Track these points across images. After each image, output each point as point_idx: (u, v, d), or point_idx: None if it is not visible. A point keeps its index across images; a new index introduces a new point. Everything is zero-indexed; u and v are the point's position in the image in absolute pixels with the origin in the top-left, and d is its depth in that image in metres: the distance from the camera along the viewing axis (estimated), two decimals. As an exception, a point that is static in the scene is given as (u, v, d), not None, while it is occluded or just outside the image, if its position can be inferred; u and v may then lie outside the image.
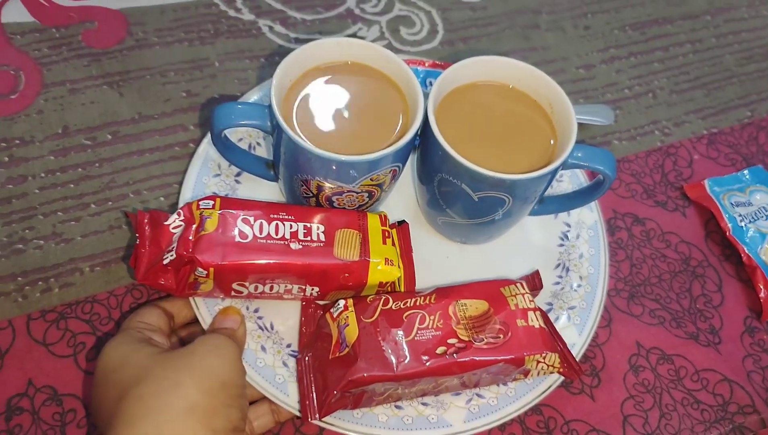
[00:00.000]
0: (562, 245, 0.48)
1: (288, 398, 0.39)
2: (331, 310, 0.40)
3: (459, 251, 0.47)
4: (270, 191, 0.46)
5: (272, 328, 0.41)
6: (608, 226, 0.51)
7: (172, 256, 0.37)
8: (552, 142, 0.42)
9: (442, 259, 0.47)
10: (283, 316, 0.42)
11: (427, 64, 0.53)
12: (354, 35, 0.58)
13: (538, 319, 0.40)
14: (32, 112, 0.49)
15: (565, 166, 0.40)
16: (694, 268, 0.50)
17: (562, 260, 0.47)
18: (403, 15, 0.60)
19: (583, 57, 0.60)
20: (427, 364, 0.37)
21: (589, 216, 0.49)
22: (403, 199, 0.48)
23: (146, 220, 0.39)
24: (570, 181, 0.50)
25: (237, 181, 0.46)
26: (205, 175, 0.45)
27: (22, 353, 0.39)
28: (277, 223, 0.40)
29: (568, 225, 0.49)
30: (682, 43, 0.63)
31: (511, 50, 0.59)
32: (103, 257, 0.43)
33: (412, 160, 0.47)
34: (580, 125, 0.55)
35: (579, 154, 0.41)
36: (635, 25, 0.63)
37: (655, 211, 0.52)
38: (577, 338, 0.44)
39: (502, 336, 0.39)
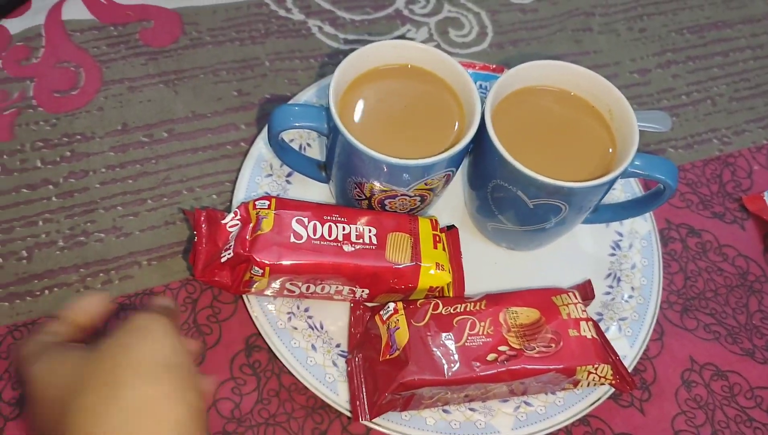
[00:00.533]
0: (613, 255, 0.47)
1: (338, 397, 0.39)
2: (381, 313, 0.40)
3: (507, 257, 0.47)
4: (320, 192, 0.47)
5: (322, 327, 0.42)
6: (661, 236, 0.50)
7: (229, 254, 0.38)
8: (611, 149, 0.41)
9: (490, 264, 0.46)
10: (332, 317, 0.42)
11: (477, 67, 0.53)
12: (403, 36, 0.58)
13: (590, 329, 0.40)
14: (93, 108, 0.50)
15: (624, 174, 0.40)
16: (751, 283, 0.49)
17: (614, 270, 0.47)
18: (452, 16, 0.60)
19: (637, 61, 0.59)
20: (478, 370, 0.37)
21: (643, 225, 0.48)
22: (451, 202, 0.48)
23: (203, 218, 0.40)
24: (622, 190, 0.49)
25: (288, 182, 0.47)
26: (257, 175, 0.46)
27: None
28: (330, 225, 0.40)
29: (621, 234, 0.48)
30: (743, 48, 0.61)
31: (562, 54, 0.59)
32: (159, 251, 0.45)
33: (462, 165, 0.46)
34: (634, 132, 0.54)
35: (639, 163, 0.40)
36: (693, 28, 0.62)
37: (711, 223, 0.51)
38: (628, 350, 0.43)
39: (553, 345, 0.39)
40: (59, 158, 0.47)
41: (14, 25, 0.53)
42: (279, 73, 0.54)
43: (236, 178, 0.46)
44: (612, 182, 0.39)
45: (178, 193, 0.47)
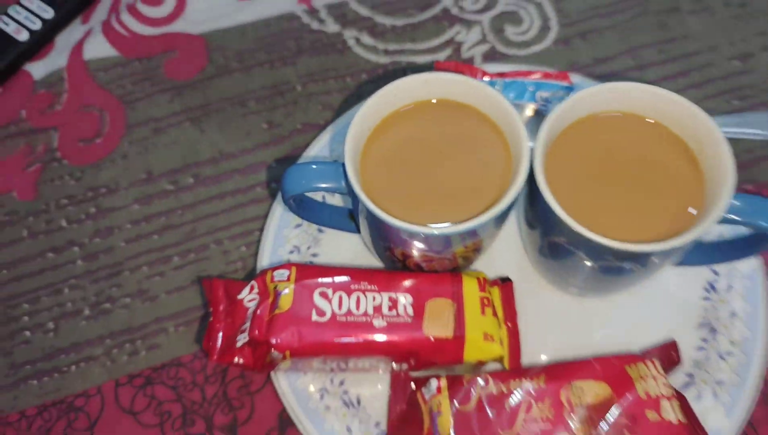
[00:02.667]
0: (707, 299, 0.39)
1: (377, 488, 0.35)
2: (423, 390, 0.35)
3: (575, 305, 0.40)
4: (356, 242, 0.41)
5: (359, 403, 0.37)
6: (770, 270, 0.41)
7: (245, 338, 0.34)
8: (696, 198, 0.33)
9: (555, 316, 0.39)
10: (371, 389, 0.38)
11: (538, 75, 0.45)
12: (451, 41, 0.51)
13: (674, 411, 0.33)
14: (117, 157, 0.47)
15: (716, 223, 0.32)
16: None
17: (708, 318, 0.39)
18: (510, 10, 0.52)
19: (737, 44, 0.48)
20: (536, 469, 0.32)
21: (746, 262, 0.39)
22: (505, 245, 0.41)
23: (220, 292, 0.36)
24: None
25: (320, 231, 0.42)
26: (285, 226, 0.42)
27: (111, 423, 0.39)
28: (358, 296, 0.35)
29: (717, 272, 0.40)
30: None
31: (644, 44, 0.49)
32: (188, 315, 0.42)
33: (518, 202, 0.40)
34: (735, 139, 0.44)
35: (737, 205, 0.32)
36: (810, -6, 0.50)
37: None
38: (725, 422, 0.36)
39: (627, 433, 0.32)
40: (84, 216, 0.45)
41: (38, 69, 0.51)
42: (312, 97, 0.49)
43: (262, 228, 0.42)
44: (693, 241, 0.31)
45: (205, 247, 0.44)
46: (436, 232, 0.31)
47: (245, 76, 0.51)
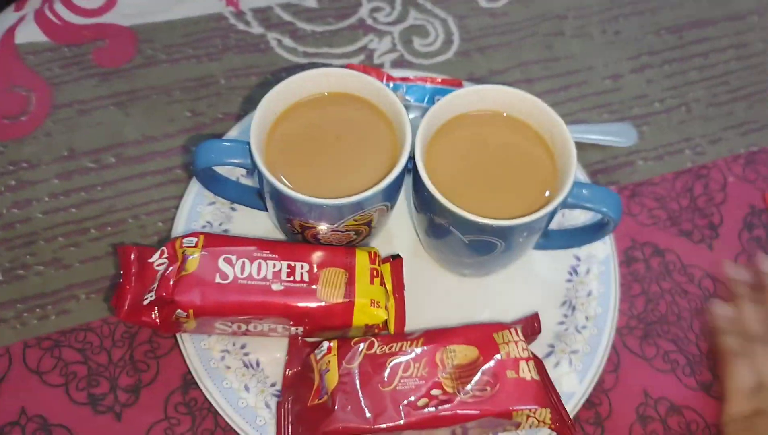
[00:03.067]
0: (570, 281, 0.45)
1: (268, 440, 0.38)
2: (315, 352, 0.39)
3: (458, 284, 0.45)
4: (266, 219, 0.45)
5: (258, 365, 0.41)
6: (625, 256, 0.47)
7: (152, 296, 0.37)
8: (549, 182, 0.39)
9: (440, 292, 0.45)
10: (270, 353, 0.41)
11: (439, 80, 0.50)
12: (365, 48, 0.56)
13: (530, 370, 0.38)
14: (40, 134, 0.50)
15: (564, 206, 0.37)
16: (717, 307, 0.46)
17: (569, 297, 0.45)
18: (418, 24, 0.57)
19: (610, 66, 0.56)
20: (406, 417, 0.36)
21: (602, 249, 0.46)
22: (403, 226, 0.46)
23: (131, 256, 0.39)
24: (583, 211, 0.47)
25: (232, 209, 0.46)
26: (199, 203, 0.45)
27: (18, 381, 0.41)
28: (259, 263, 0.39)
29: (578, 258, 0.46)
30: (724, 48, 0.57)
31: (532, 60, 0.56)
32: (100, 284, 0.44)
33: (408, 188, 0.45)
34: (600, 146, 0.51)
35: (583, 192, 0.38)
36: (672, 28, 0.58)
37: (679, 242, 0.48)
38: (577, 386, 0.41)
39: (489, 388, 0.37)
40: (4, 188, 0.47)
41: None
42: (234, 90, 0.53)
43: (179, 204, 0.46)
44: (547, 217, 0.37)
45: (123, 222, 0.47)
46: (325, 203, 0.35)
47: (172, 68, 0.54)
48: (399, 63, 0.55)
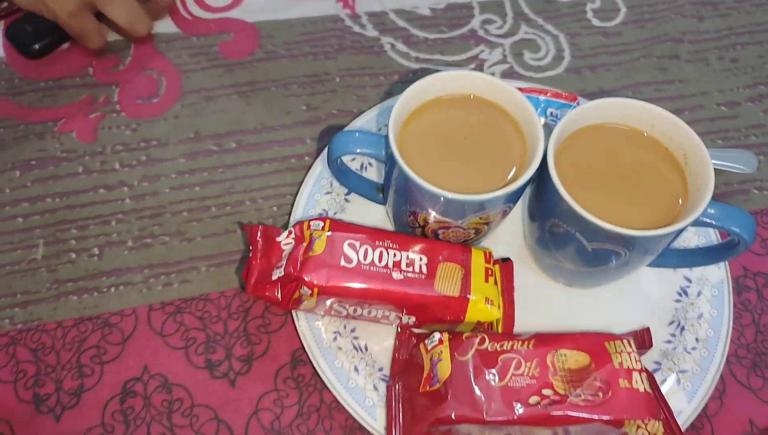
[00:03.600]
0: (679, 301, 0.45)
1: (375, 423, 0.39)
2: (426, 342, 0.40)
3: (563, 294, 0.45)
4: (377, 213, 0.47)
5: (366, 349, 0.42)
6: (735, 284, 0.46)
7: (280, 272, 0.39)
8: (681, 198, 0.39)
9: (545, 301, 0.45)
10: (378, 339, 0.42)
11: (549, 94, 0.51)
12: (476, 57, 0.57)
13: (643, 382, 0.38)
14: (170, 116, 0.53)
15: (694, 224, 0.37)
16: (834, 344, 0.45)
17: (678, 318, 0.44)
18: (529, 38, 0.58)
19: (726, 93, 0.55)
20: (518, 412, 0.36)
21: (715, 273, 0.45)
22: (508, 232, 0.47)
23: (259, 235, 0.41)
24: (696, 233, 0.47)
25: (346, 200, 0.47)
26: (317, 192, 0.47)
27: (142, 341, 0.43)
28: (381, 251, 0.40)
29: (689, 280, 0.45)
30: None
31: (644, 81, 0.56)
32: (218, 259, 0.46)
33: (523, 196, 0.45)
34: (716, 171, 0.51)
35: (713, 212, 0.38)
36: (791, 60, 0.57)
37: (793, 274, 0.47)
38: (685, 406, 0.41)
39: (601, 394, 0.37)
40: (135, 162, 0.50)
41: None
42: (348, 89, 0.55)
43: (297, 192, 0.47)
44: (679, 232, 0.36)
45: (241, 203, 0.49)
46: (457, 197, 0.36)
47: (291, 63, 0.56)
48: (509, 74, 0.56)
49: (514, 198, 0.39)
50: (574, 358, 0.39)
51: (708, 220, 0.37)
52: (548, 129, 0.39)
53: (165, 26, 0.58)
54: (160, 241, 0.47)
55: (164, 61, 0.56)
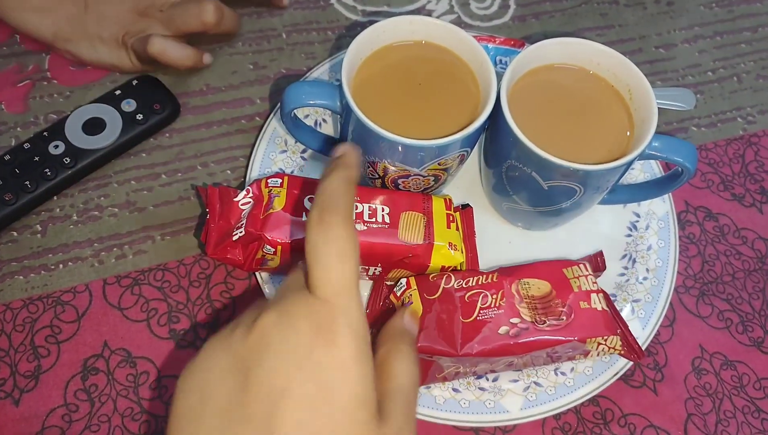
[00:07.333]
0: (629, 235, 0.47)
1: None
2: (395, 290, 0.40)
3: (522, 236, 0.46)
4: (334, 168, 0.46)
5: (334, 305, 0.42)
6: (679, 220, 0.49)
7: (241, 232, 0.38)
8: (629, 131, 0.40)
9: (505, 243, 0.46)
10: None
11: (497, 41, 0.51)
12: (422, 8, 0.57)
13: (600, 301, 0.39)
14: (107, 81, 0.50)
15: (641, 156, 0.39)
16: (770, 266, 0.48)
17: (629, 251, 0.46)
18: (474, -13, 0.58)
19: (663, 36, 0.57)
20: (489, 344, 0.37)
21: (661, 206, 0.47)
22: (467, 180, 0.47)
23: (216, 196, 0.40)
24: (642, 170, 0.48)
25: (303, 158, 0.46)
26: (272, 151, 0.46)
27: (99, 316, 0.41)
28: (342, 204, 0.40)
29: (638, 215, 0.47)
30: (772, 23, 0.59)
31: (585, 28, 0.57)
32: (174, 227, 0.45)
33: (479, 142, 0.46)
34: (658, 110, 0.53)
35: (657, 145, 0.39)
36: (722, 2, 0.59)
37: (730, 205, 0.50)
38: (640, 332, 0.43)
39: (564, 318, 0.38)
40: (75, 131, 0.47)
41: None
42: (296, 46, 0.54)
43: (250, 153, 0.46)
44: (628, 165, 0.38)
45: (192, 169, 0.47)
46: (415, 143, 0.36)
47: (233, 21, 0.54)
48: (456, 24, 0.56)
49: (470, 142, 0.39)
50: (537, 286, 0.40)
51: (654, 153, 0.39)
52: (499, 77, 0.39)
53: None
54: (108, 213, 0.45)
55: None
